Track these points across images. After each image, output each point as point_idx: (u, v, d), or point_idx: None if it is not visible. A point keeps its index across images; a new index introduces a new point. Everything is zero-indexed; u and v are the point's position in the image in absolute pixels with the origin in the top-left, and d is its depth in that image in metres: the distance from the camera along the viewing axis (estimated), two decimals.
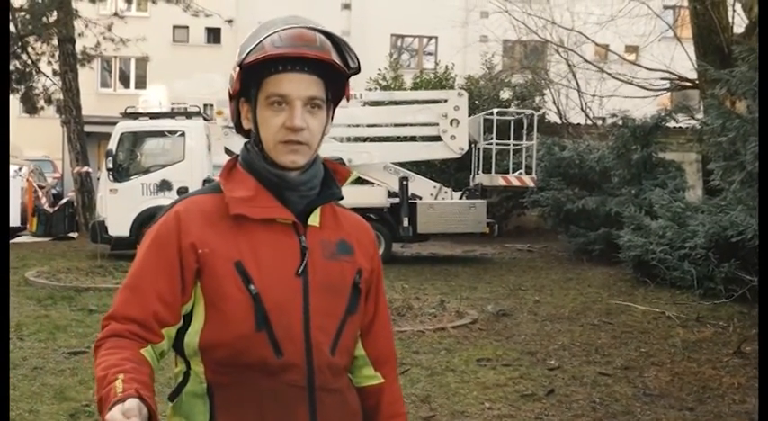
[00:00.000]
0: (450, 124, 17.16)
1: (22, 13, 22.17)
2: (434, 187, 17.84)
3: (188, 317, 2.10)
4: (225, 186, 2.14)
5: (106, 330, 2.05)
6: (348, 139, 18.30)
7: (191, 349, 2.10)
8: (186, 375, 2.13)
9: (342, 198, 2.27)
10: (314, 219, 2.18)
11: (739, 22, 16.77)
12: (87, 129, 23.55)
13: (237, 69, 2.11)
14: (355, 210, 2.39)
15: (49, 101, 24.54)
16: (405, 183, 16.92)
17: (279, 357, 2.06)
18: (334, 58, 2.12)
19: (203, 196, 2.19)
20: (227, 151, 16.63)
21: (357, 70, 2.21)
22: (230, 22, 25.50)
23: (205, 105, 19.75)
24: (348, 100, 2.29)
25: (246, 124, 2.18)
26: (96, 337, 2.06)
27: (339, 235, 2.22)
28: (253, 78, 2.11)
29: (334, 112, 2.25)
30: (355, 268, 2.22)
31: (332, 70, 2.13)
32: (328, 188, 2.22)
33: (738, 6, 16.66)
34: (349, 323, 2.19)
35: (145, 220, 16.06)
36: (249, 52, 2.08)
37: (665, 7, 22.75)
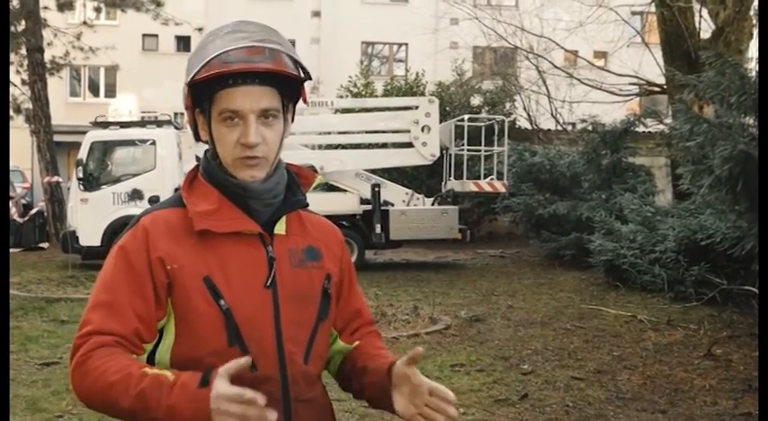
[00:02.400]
0: (422, 131, 17.19)
1: None
2: (406, 194, 17.86)
3: (159, 334, 2.07)
4: (187, 200, 2.11)
5: (90, 344, 1.96)
6: (320, 147, 18.31)
7: (162, 366, 2.06)
8: None
9: (307, 205, 2.24)
10: (280, 228, 2.15)
11: (706, 27, 16.93)
12: (57, 138, 23.39)
13: (186, 88, 2.07)
14: (327, 217, 2.39)
15: (18, 110, 24.33)
16: (377, 189, 16.93)
17: (253, 371, 2.03)
18: (286, 65, 2.06)
19: (168, 210, 2.14)
20: (199, 159, 16.56)
21: (308, 77, 2.14)
22: (200, 29, 25.25)
23: (176, 114, 19.70)
24: (306, 103, 2.24)
25: (204, 135, 2.14)
26: (76, 354, 1.95)
27: (306, 241, 2.20)
28: (204, 92, 2.06)
29: (293, 114, 2.20)
30: (324, 274, 2.20)
31: (285, 77, 2.07)
32: (293, 195, 2.19)
33: (705, 12, 16.82)
34: (321, 330, 2.18)
35: (116, 230, 15.96)
36: (198, 71, 2.02)
37: (633, 13, 22.87)
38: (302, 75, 2.11)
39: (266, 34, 2.07)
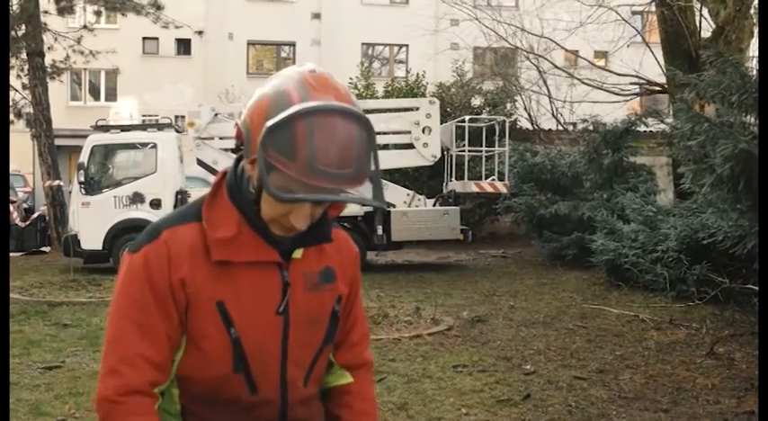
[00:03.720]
0: (423, 132, 17.20)
1: None
2: (408, 195, 17.85)
3: None
4: (207, 221, 2.04)
5: (123, 383, 1.98)
6: None
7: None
8: (161, 393, 2.12)
9: (331, 241, 2.18)
10: (297, 253, 2.11)
11: (706, 26, 16.92)
12: (58, 142, 23.38)
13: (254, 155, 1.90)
14: None
15: (18, 115, 24.31)
16: None
17: (254, 395, 2.06)
18: (362, 181, 1.92)
19: (188, 226, 2.06)
20: (200, 163, 16.59)
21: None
22: (200, 33, 25.39)
23: (176, 117, 19.69)
24: None
25: (249, 170, 1.99)
26: (107, 388, 1.98)
27: (323, 263, 2.17)
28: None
29: None
30: (336, 295, 2.19)
31: None
32: (320, 225, 2.10)
33: (705, 11, 16.81)
34: (324, 352, 2.20)
35: (118, 233, 16.03)
36: (278, 151, 1.82)
37: (634, 13, 22.85)
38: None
39: (360, 144, 1.88)
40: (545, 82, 24.06)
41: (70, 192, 18.17)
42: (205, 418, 2.08)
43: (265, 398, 2.07)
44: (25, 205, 25.04)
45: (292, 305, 2.08)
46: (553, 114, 24.61)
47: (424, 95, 23.01)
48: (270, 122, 1.83)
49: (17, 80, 23.40)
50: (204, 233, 2.03)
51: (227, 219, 2.04)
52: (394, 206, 17.31)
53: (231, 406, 2.06)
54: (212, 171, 15.92)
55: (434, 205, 17.86)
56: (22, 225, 21.54)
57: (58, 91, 27.60)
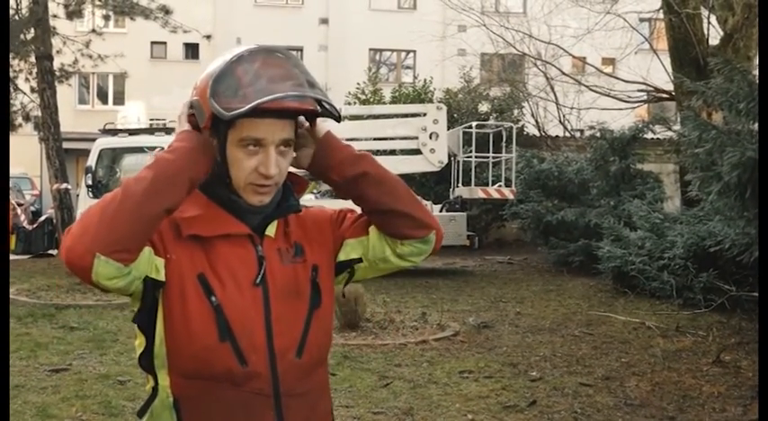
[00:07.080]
0: (430, 138, 17.17)
1: None
2: None
3: (152, 329, 2.13)
4: None
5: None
6: None
7: (160, 360, 2.13)
8: (154, 390, 2.18)
9: (300, 210, 2.28)
10: (270, 230, 2.21)
11: (714, 34, 16.91)
12: (66, 145, 23.28)
13: (209, 113, 2.05)
14: None
15: (27, 118, 24.34)
16: None
17: (243, 367, 2.10)
18: (311, 102, 2.13)
19: None
20: None
21: (333, 116, 2.26)
22: (208, 37, 25.36)
23: None
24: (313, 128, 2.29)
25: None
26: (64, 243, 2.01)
27: (294, 238, 2.25)
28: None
29: None
30: (309, 267, 2.24)
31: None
32: (285, 200, 2.24)
33: (713, 18, 16.81)
34: (315, 319, 2.22)
35: None
36: (226, 96, 2.02)
37: (641, 20, 22.87)
38: (320, 109, 2.18)
39: (297, 69, 2.10)
40: (552, 88, 24.07)
41: (78, 196, 18.22)
42: (198, 403, 2.12)
43: (255, 370, 2.11)
44: (32, 208, 25.13)
45: (270, 278, 2.16)
46: (560, 121, 24.62)
47: (431, 101, 23.01)
48: (212, 73, 2.06)
49: (25, 83, 23.45)
50: (174, 219, 2.11)
51: (195, 202, 2.15)
52: None
53: (223, 380, 2.10)
54: None
55: (441, 211, 17.84)
56: (30, 228, 21.59)
57: (66, 94, 27.67)
